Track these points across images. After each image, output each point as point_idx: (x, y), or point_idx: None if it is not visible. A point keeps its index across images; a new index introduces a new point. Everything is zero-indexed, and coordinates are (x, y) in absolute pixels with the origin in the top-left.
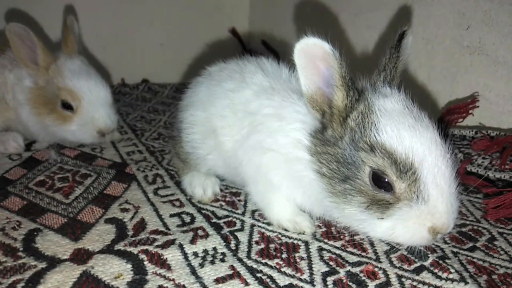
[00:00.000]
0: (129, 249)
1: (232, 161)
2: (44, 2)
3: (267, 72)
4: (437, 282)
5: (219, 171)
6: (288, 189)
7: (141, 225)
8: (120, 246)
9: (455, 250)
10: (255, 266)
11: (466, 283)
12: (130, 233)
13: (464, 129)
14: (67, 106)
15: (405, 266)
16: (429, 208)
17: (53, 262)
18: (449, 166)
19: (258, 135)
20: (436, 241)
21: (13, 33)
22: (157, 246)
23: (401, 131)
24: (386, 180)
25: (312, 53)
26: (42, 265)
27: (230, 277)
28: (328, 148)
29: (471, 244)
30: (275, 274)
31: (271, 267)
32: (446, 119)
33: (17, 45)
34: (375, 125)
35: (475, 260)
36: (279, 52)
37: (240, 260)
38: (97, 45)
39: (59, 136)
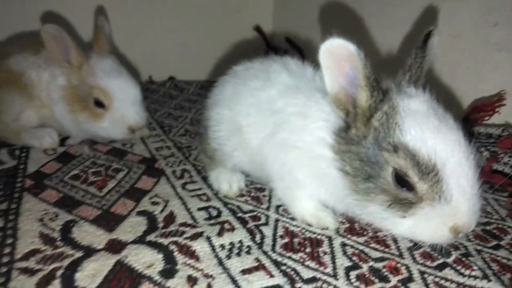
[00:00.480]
0: (160, 240)
1: (257, 158)
2: (76, 3)
3: (292, 71)
4: (459, 279)
5: (244, 167)
6: (312, 186)
7: (170, 218)
8: (151, 237)
9: (478, 248)
10: (279, 259)
11: (489, 280)
12: (161, 225)
13: (490, 127)
14: (99, 104)
15: (428, 263)
16: (451, 208)
17: (89, 251)
18: (473, 167)
19: (283, 133)
20: (458, 240)
21: (48, 34)
22: (186, 238)
23: (424, 132)
24: (406, 179)
25: (337, 53)
26: (79, 254)
27: (256, 269)
28: (352, 147)
29: (495, 243)
30: (299, 267)
31: (295, 260)
32: (471, 117)
33: (51, 45)
34: (399, 125)
35: (499, 258)
36: (303, 49)
37: (265, 253)
38: (126, 43)
39: (92, 132)
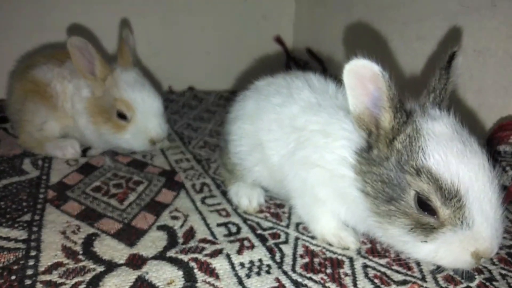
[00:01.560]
0: (180, 256)
1: (277, 174)
2: (102, 16)
3: (314, 88)
4: None
5: (264, 182)
6: (333, 205)
7: (190, 233)
8: (171, 253)
9: (503, 272)
10: (300, 279)
11: None
12: (181, 240)
13: None
14: (122, 116)
15: (451, 287)
16: (473, 234)
17: (110, 266)
18: (496, 191)
19: (304, 151)
20: (480, 265)
21: (74, 46)
22: (206, 255)
23: (448, 156)
24: (429, 204)
25: (361, 74)
26: (101, 268)
27: None
28: (374, 167)
29: None
30: None
31: (315, 281)
32: (497, 136)
33: (76, 57)
34: (423, 149)
35: None
36: (324, 61)
37: (285, 273)
38: (148, 52)
39: (114, 144)
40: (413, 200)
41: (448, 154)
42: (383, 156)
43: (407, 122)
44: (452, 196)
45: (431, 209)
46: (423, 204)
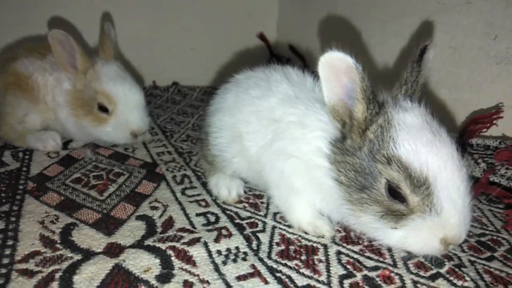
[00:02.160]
0: (157, 245)
1: (255, 165)
2: (83, 9)
3: (292, 81)
4: None
5: (243, 174)
6: (309, 194)
7: (169, 223)
8: (149, 242)
9: (472, 259)
10: (275, 266)
11: None
12: (159, 230)
13: (488, 139)
14: (103, 109)
15: (421, 273)
16: (441, 220)
17: (88, 255)
18: (465, 180)
19: (281, 142)
20: (448, 251)
21: (55, 39)
22: (184, 243)
23: (418, 146)
24: (401, 192)
25: (336, 66)
26: (78, 257)
27: (251, 275)
28: (347, 157)
29: (489, 254)
30: (293, 275)
31: (290, 267)
32: (470, 129)
33: (58, 50)
34: (393, 139)
35: (492, 269)
36: (306, 58)
37: (261, 259)
38: (131, 48)
39: (95, 136)
40: (384, 188)
41: (418, 144)
42: (356, 146)
43: (379, 113)
44: (420, 184)
45: (401, 196)
46: (394, 192)
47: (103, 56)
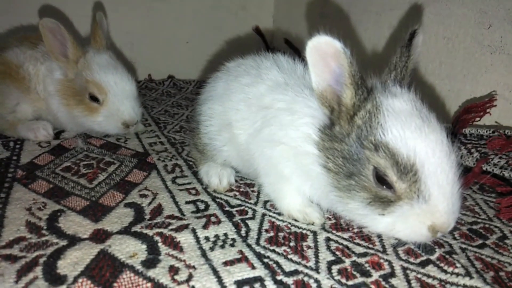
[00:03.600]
0: (145, 231)
1: (245, 153)
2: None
3: (282, 68)
4: (442, 276)
5: (233, 162)
6: (298, 181)
7: (158, 210)
8: (137, 228)
9: (463, 246)
10: (262, 252)
11: (471, 278)
12: (147, 217)
13: (481, 128)
14: (94, 99)
15: (411, 259)
16: (430, 207)
17: (73, 240)
18: (453, 167)
19: (270, 128)
20: (437, 238)
21: (46, 27)
22: (172, 230)
23: (406, 132)
24: (387, 179)
25: (324, 50)
26: (63, 242)
27: (238, 260)
28: (335, 144)
29: (480, 241)
30: (281, 260)
31: (278, 253)
32: (463, 118)
33: (49, 39)
34: (381, 124)
35: (483, 256)
36: (301, 50)
37: (249, 246)
38: (126, 42)
39: (86, 126)
40: (372, 174)
41: (406, 130)
42: (345, 133)
43: (368, 98)
44: (407, 171)
45: (388, 184)
46: (381, 179)
47: (94, 45)
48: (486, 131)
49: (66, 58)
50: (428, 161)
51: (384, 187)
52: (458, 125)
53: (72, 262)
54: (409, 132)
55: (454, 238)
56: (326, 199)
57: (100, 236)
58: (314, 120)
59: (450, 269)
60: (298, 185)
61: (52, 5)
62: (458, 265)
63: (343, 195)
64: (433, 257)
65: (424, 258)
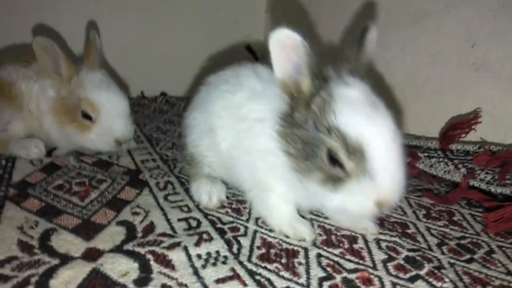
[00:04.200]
0: (137, 249)
1: (227, 161)
2: (68, 17)
3: (261, 77)
4: None
5: (217, 170)
6: (281, 188)
7: (150, 228)
8: (129, 247)
9: (452, 261)
10: (254, 269)
11: None
12: (139, 234)
13: (467, 144)
14: (86, 116)
15: (401, 275)
16: (375, 184)
17: (65, 259)
18: (398, 149)
19: (248, 141)
20: (383, 213)
21: (39, 46)
22: (164, 248)
23: (355, 117)
24: (338, 159)
25: (285, 43)
26: (55, 261)
27: (230, 278)
28: (295, 129)
29: (468, 256)
30: (273, 277)
31: (270, 270)
32: (449, 134)
33: (42, 57)
34: (334, 110)
35: (471, 271)
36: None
37: (240, 263)
38: (119, 59)
39: (79, 144)
40: (326, 156)
41: (356, 115)
42: (303, 119)
43: (323, 87)
44: (355, 151)
45: (340, 164)
46: (334, 159)
47: (88, 64)
48: (472, 147)
49: (59, 76)
50: (374, 142)
51: (336, 166)
52: (444, 141)
53: (64, 281)
54: (359, 117)
55: (443, 253)
56: (304, 197)
57: (92, 255)
58: (274, 112)
59: (438, 284)
60: (283, 192)
61: (45, 24)
62: (446, 279)
63: (301, 176)
64: (422, 272)
65: (413, 273)
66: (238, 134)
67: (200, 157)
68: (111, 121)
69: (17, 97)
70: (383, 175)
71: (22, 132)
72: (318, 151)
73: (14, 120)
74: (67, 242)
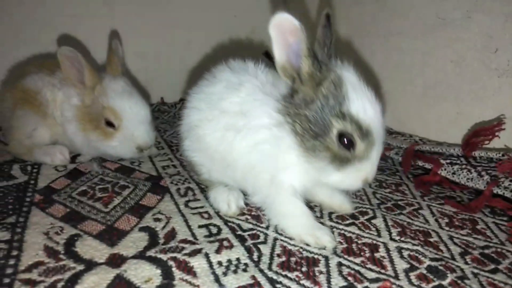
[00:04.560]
0: (159, 255)
1: (216, 156)
2: (92, 27)
3: (234, 69)
4: None
5: (215, 176)
6: (287, 176)
7: (171, 234)
8: (151, 253)
9: (475, 271)
10: (275, 277)
11: None
12: (161, 241)
13: (491, 151)
14: (110, 124)
15: (424, 285)
16: (368, 165)
17: (90, 265)
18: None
19: (240, 140)
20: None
21: (64, 55)
22: (185, 254)
23: (365, 103)
24: (351, 141)
25: (284, 27)
26: (80, 267)
27: (251, 286)
28: (300, 110)
29: (493, 266)
30: (294, 286)
31: (290, 279)
32: (472, 141)
33: (66, 66)
34: (346, 96)
35: (496, 282)
36: None
37: (261, 271)
38: (140, 67)
39: (102, 151)
40: (336, 136)
41: (364, 101)
42: (309, 99)
43: (327, 69)
44: (367, 134)
45: (348, 145)
46: (343, 141)
47: (110, 72)
48: (496, 154)
49: (83, 85)
50: (375, 127)
51: (345, 148)
52: (467, 148)
53: (89, 287)
54: (367, 103)
55: (466, 263)
56: (309, 178)
57: (116, 261)
58: (270, 102)
59: None
60: (290, 181)
61: (69, 34)
62: None
63: (308, 155)
64: (444, 282)
65: (436, 283)
66: (228, 132)
67: (191, 158)
68: (133, 128)
69: (42, 104)
70: (375, 157)
71: (47, 139)
72: (327, 132)
73: (39, 127)
74: (92, 248)
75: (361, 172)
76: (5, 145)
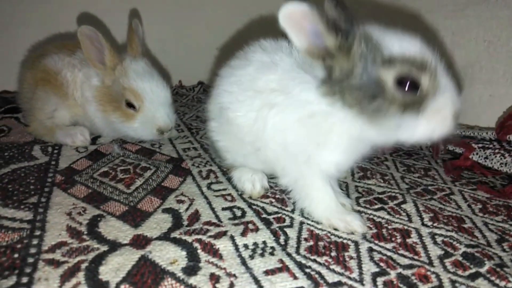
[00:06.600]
0: (184, 237)
1: (247, 138)
2: (112, 6)
3: (266, 48)
4: None
5: (238, 160)
6: (329, 155)
7: (195, 216)
8: (176, 234)
9: None
10: (304, 261)
11: None
12: (185, 223)
13: None
14: (130, 105)
15: (460, 272)
16: (449, 97)
17: (114, 246)
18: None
19: (274, 114)
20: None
21: (84, 35)
22: (210, 236)
23: (402, 39)
24: (412, 81)
25: (294, 16)
26: (104, 248)
27: (279, 270)
28: (343, 83)
29: None
30: (324, 271)
31: (320, 263)
32: (507, 124)
33: (87, 46)
34: (383, 42)
35: None
36: None
37: (289, 254)
38: (158, 49)
39: (122, 132)
40: (394, 86)
41: (400, 40)
42: (347, 69)
43: (349, 32)
44: (425, 66)
45: (410, 88)
46: (403, 86)
47: (131, 52)
48: None
49: (103, 65)
50: (427, 56)
51: (409, 92)
52: (502, 131)
53: (114, 268)
54: (404, 39)
55: (504, 250)
56: (356, 149)
57: (140, 242)
58: (310, 84)
59: (502, 283)
60: (330, 161)
61: (89, 13)
62: (511, 279)
63: (373, 119)
64: (482, 270)
65: (473, 270)
66: (261, 111)
67: (216, 142)
68: (154, 110)
69: (62, 85)
70: (448, 84)
71: (67, 119)
72: (383, 86)
73: (60, 108)
74: (115, 229)
75: (443, 106)
76: (26, 127)
